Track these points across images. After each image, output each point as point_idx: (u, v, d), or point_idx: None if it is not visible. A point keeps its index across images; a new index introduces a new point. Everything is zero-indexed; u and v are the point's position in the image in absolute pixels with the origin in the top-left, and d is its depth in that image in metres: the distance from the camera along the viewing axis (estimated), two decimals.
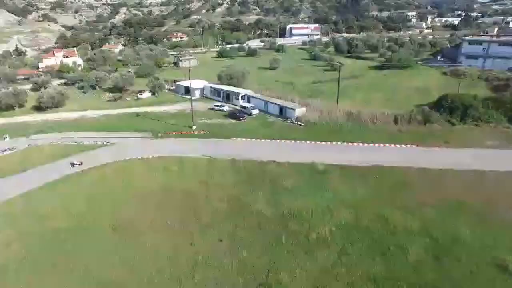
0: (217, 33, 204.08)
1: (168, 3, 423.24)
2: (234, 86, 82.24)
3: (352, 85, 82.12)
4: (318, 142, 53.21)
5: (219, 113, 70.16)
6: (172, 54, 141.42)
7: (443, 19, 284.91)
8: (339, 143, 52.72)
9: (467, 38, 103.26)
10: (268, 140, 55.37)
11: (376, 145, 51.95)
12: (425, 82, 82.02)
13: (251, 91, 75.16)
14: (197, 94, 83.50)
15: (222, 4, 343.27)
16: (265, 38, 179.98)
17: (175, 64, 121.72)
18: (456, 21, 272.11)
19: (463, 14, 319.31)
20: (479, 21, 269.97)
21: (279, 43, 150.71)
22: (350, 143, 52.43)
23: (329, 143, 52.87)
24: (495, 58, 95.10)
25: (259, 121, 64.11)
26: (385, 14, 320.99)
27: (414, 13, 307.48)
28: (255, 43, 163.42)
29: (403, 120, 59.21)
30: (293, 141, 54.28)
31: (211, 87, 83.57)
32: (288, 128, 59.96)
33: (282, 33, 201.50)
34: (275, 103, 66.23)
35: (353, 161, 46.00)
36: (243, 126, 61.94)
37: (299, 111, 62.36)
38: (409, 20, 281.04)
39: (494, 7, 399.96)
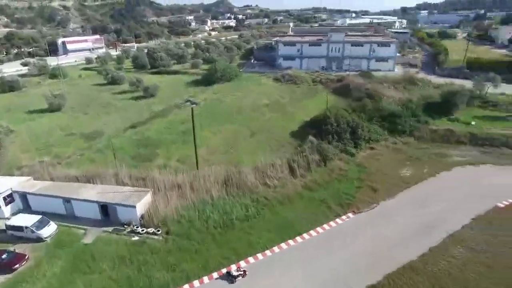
0: None
1: None
2: None
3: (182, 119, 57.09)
4: None
5: None
6: None
7: (220, 21, 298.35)
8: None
9: (283, 39, 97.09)
10: None
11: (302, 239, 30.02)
12: (268, 96, 67.30)
13: (24, 179, 37.21)
14: None
15: None
16: (28, 59, 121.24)
17: None
18: (232, 23, 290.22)
19: (233, 17, 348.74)
20: (247, 23, 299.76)
21: (53, 64, 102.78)
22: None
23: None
24: (310, 58, 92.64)
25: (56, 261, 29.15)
26: (163, 19, 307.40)
27: (192, 17, 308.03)
28: (12, 69, 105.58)
29: (299, 167, 39.99)
30: None
31: None
32: (135, 257, 28.73)
33: (53, 50, 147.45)
34: (89, 200, 32.46)
35: None
36: None
37: (143, 204, 31.98)
38: (190, 24, 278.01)
39: (248, 11, 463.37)
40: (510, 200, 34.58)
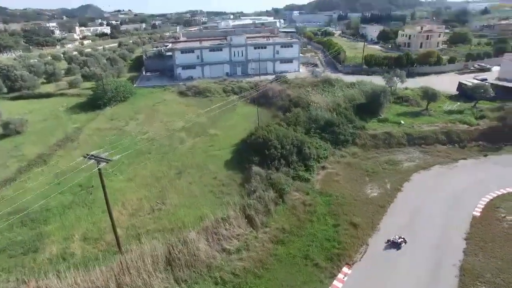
0: None
1: None
2: None
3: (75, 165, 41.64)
4: None
5: None
6: None
7: (91, 28, 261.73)
8: None
9: (179, 46, 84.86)
10: None
11: None
12: (179, 115, 56.17)
13: None
14: None
15: None
16: None
17: None
18: (105, 30, 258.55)
19: (105, 23, 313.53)
20: (123, 29, 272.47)
21: None
22: None
23: None
24: (212, 64, 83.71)
25: None
26: (15, 26, 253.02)
27: (54, 24, 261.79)
28: None
29: (257, 212, 30.87)
30: None
31: None
32: None
33: None
34: None
35: None
36: None
37: None
38: (53, 32, 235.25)
39: (121, 16, 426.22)
40: (481, 206, 32.67)
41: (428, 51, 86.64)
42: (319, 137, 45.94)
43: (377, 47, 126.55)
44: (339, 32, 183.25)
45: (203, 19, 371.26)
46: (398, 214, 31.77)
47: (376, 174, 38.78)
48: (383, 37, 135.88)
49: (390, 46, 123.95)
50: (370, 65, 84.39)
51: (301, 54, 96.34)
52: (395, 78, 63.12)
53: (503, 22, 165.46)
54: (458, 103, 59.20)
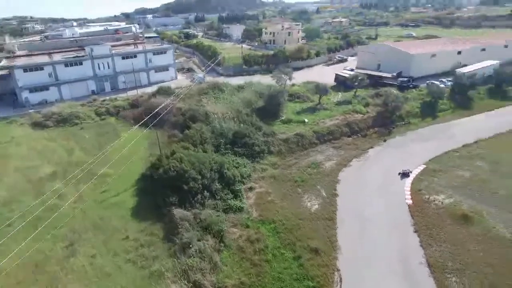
0: None
1: None
2: None
3: None
4: None
5: None
6: None
7: None
8: None
9: (19, 63, 64.83)
10: None
11: None
12: (45, 157, 42.28)
13: None
14: None
15: None
16: None
17: None
18: None
19: None
20: None
21: None
22: None
23: None
24: (72, 82, 68.03)
25: None
26: None
27: None
28: None
29: (202, 272, 23.98)
30: None
31: None
32: None
33: None
34: None
35: None
36: None
37: None
38: None
39: None
40: (408, 193, 33.90)
41: (299, 46, 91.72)
42: (233, 153, 40.87)
43: (244, 45, 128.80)
44: (201, 33, 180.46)
45: (38, 27, 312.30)
46: (348, 223, 29.78)
47: (306, 183, 36.31)
48: (248, 36, 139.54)
49: (256, 44, 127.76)
50: (250, 64, 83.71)
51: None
52: (283, 75, 63.10)
53: (335, 20, 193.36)
54: (340, 94, 63.32)
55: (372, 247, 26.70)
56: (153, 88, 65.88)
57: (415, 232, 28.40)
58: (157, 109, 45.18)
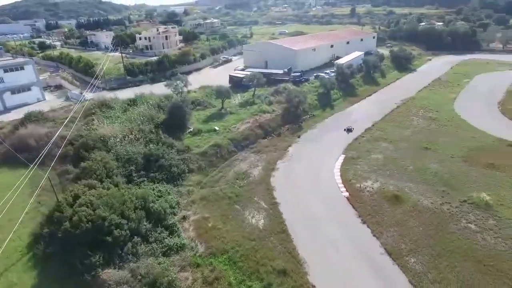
0: None
1: None
2: None
3: None
4: None
5: None
6: None
7: None
8: None
9: None
10: None
11: None
12: None
13: None
14: None
15: None
16: None
17: None
18: None
19: None
20: None
21: None
22: None
23: None
24: None
25: None
26: None
27: None
28: None
29: None
30: None
31: None
32: None
33: None
34: None
35: None
36: None
37: None
38: None
39: None
40: (341, 185, 34.79)
41: (184, 50, 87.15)
42: (149, 180, 34.87)
43: (117, 54, 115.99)
44: (59, 43, 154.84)
45: None
46: (300, 231, 28.34)
47: (241, 197, 33.47)
48: (119, 43, 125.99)
49: (131, 52, 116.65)
50: (134, 74, 75.07)
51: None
52: (178, 82, 58.10)
53: (208, 21, 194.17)
54: (239, 95, 62.19)
55: (334, 251, 25.94)
56: (16, 115, 52.06)
57: (363, 223, 28.98)
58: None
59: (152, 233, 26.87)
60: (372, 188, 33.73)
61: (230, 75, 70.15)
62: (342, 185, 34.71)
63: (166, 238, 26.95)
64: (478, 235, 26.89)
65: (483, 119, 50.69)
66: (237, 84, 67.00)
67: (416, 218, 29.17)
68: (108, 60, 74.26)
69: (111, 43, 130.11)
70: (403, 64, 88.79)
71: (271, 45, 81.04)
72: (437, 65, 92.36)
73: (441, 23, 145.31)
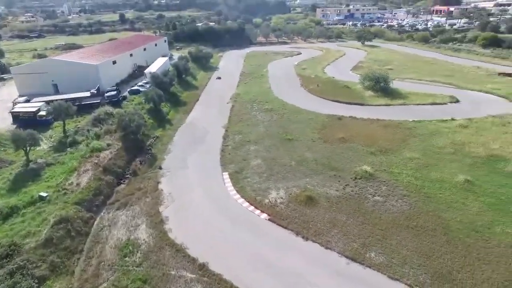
0: None
1: None
2: None
3: None
4: None
5: None
6: None
7: None
8: None
9: None
10: None
11: None
12: None
13: None
14: None
15: None
16: None
17: None
18: None
19: None
20: None
21: None
22: None
23: None
24: None
25: None
26: None
27: None
28: None
29: None
30: None
31: None
32: None
33: None
34: None
35: None
36: None
37: None
38: None
39: None
40: (251, 207, 30.16)
41: None
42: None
43: None
44: None
45: None
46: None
47: (151, 281, 23.13)
48: None
49: None
50: None
51: None
52: None
53: None
54: (42, 137, 44.86)
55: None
56: None
57: (305, 240, 25.84)
58: None
59: None
60: (282, 198, 30.98)
61: (11, 112, 49.38)
62: (253, 207, 30.10)
63: None
64: (387, 204, 29.24)
65: (303, 101, 57.33)
66: (28, 122, 47.79)
67: (340, 211, 28.74)
68: None
69: None
70: (204, 64, 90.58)
71: (59, 63, 62.70)
72: (232, 60, 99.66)
73: (213, 23, 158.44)
